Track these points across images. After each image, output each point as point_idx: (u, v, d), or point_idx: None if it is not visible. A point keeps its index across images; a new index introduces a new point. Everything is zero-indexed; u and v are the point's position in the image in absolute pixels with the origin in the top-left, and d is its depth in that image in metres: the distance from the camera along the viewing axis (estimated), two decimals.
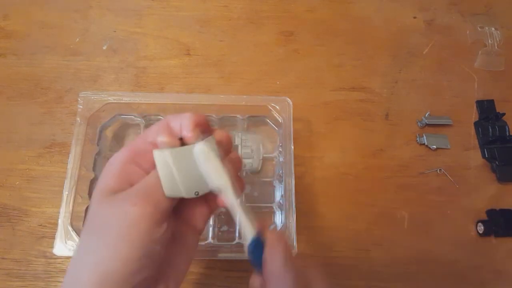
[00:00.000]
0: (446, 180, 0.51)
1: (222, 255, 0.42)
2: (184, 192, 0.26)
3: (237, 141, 0.49)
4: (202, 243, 0.43)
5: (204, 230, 0.30)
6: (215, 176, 0.26)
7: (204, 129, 0.28)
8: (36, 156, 0.49)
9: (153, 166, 0.26)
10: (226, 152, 0.29)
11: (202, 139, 0.26)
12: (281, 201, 0.44)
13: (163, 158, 0.26)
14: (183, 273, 0.28)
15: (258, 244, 0.27)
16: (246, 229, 0.28)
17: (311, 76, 0.56)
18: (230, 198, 0.27)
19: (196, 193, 0.27)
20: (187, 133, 0.26)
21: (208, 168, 0.26)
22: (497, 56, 0.58)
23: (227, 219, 0.46)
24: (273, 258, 0.27)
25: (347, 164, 0.51)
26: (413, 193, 0.50)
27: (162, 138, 0.26)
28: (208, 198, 0.29)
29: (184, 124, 0.27)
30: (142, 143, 0.27)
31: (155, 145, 0.27)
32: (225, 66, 0.55)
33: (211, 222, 0.45)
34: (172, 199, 0.26)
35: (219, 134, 0.29)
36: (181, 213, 0.28)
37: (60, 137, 0.50)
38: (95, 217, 0.25)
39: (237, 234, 0.43)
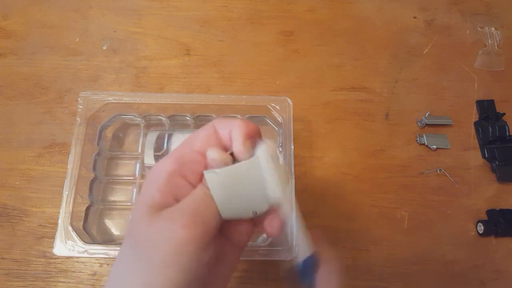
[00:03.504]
0: (446, 180, 0.51)
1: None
2: (242, 212, 0.24)
3: None
4: None
5: (246, 246, 0.28)
6: (275, 186, 0.24)
7: (256, 140, 0.25)
8: (36, 156, 0.49)
9: (200, 178, 0.24)
10: None
11: (254, 154, 0.25)
12: None
13: (216, 180, 0.24)
14: None
15: (311, 262, 0.27)
16: (302, 245, 0.26)
17: (311, 76, 0.56)
18: (287, 211, 0.25)
19: (254, 213, 0.25)
20: (238, 147, 0.24)
21: (269, 176, 0.24)
22: (497, 56, 0.58)
23: None
24: (328, 280, 0.27)
25: (347, 164, 0.51)
26: (413, 193, 0.50)
27: (212, 155, 0.24)
28: None
29: (234, 135, 0.25)
30: (189, 152, 0.25)
31: (203, 155, 0.25)
32: (225, 66, 0.55)
33: None
34: (220, 218, 0.24)
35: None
36: (223, 230, 0.26)
37: (60, 137, 0.50)
38: (139, 233, 0.23)
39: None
